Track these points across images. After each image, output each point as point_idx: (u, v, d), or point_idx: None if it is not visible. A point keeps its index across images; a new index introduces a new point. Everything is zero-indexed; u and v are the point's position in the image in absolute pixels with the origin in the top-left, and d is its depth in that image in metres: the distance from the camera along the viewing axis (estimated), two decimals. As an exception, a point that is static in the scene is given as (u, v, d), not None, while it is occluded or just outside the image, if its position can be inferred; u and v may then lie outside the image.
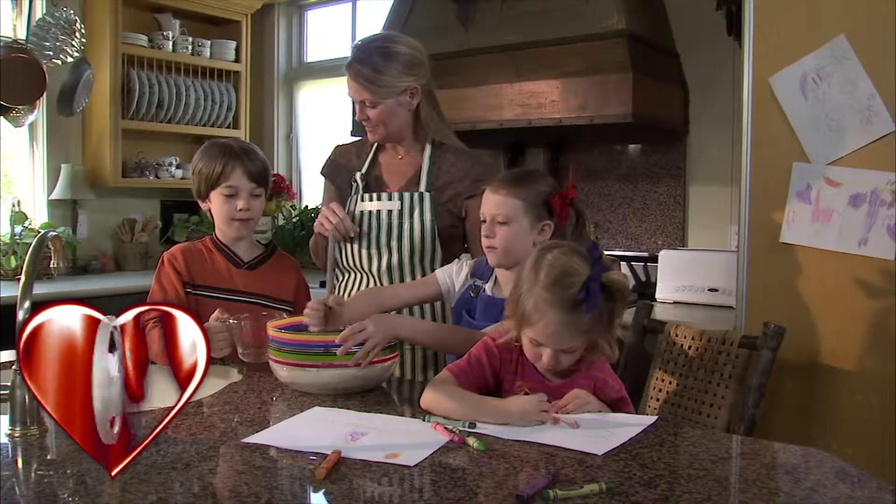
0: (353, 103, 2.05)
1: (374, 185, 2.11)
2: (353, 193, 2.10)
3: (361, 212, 2.05)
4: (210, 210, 2.08)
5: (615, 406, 1.51)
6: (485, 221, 1.75)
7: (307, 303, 1.78)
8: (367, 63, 1.97)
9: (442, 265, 2.01)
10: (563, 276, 1.43)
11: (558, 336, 1.44)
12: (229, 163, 2.01)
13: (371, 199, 2.05)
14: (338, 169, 2.20)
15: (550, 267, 1.45)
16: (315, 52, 4.98)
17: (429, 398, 1.48)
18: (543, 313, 1.43)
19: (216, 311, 1.87)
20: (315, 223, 2.06)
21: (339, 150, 2.25)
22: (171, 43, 4.35)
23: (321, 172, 2.26)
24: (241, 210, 2.02)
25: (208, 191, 2.04)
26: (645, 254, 3.52)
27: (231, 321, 1.83)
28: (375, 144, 2.15)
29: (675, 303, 3.11)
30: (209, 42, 4.52)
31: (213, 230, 2.13)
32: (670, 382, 1.96)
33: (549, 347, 1.46)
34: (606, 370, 1.53)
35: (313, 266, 2.36)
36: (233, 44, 4.60)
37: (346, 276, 2.13)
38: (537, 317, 1.44)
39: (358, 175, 2.10)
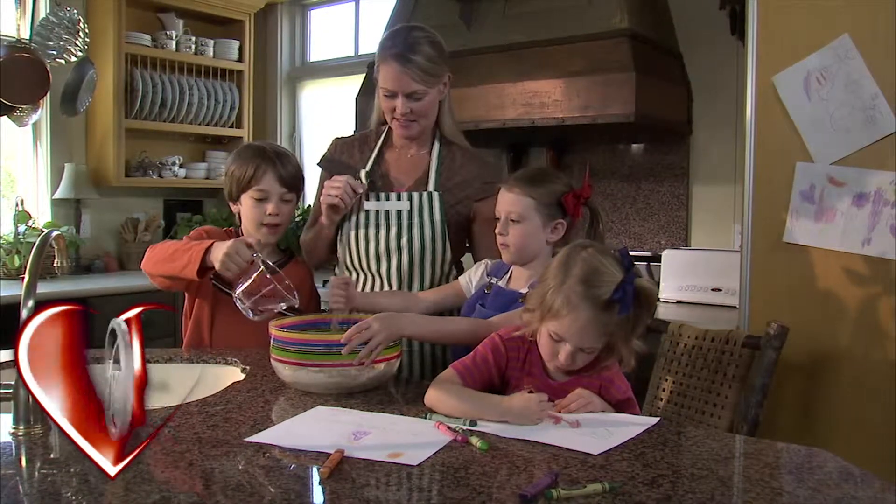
0: (386, 98, 1.98)
1: (380, 183, 2.05)
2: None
3: (368, 211, 2.01)
4: (239, 213, 2.07)
5: (620, 407, 1.51)
6: (499, 219, 1.76)
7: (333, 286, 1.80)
8: (421, 53, 1.92)
9: (451, 266, 2.01)
10: (597, 275, 1.43)
11: (584, 333, 1.44)
12: (261, 166, 1.99)
13: (378, 199, 2.01)
14: (338, 164, 2.12)
15: (585, 263, 1.45)
16: (318, 51, 4.98)
17: (432, 396, 1.49)
18: (574, 307, 1.43)
19: (251, 238, 1.88)
20: (321, 198, 1.98)
21: (340, 143, 2.17)
22: (174, 42, 4.35)
23: (319, 164, 2.18)
24: (270, 215, 2.01)
25: (239, 193, 2.03)
26: (648, 253, 3.51)
27: (258, 256, 1.82)
28: (380, 141, 2.10)
29: (678, 302, 3.10)
30: (212, 41, 4.52)
31: (238, 231, 2.12)
32: (673, 382, 1.96)
33: (570, 344, 1.45)
34: (614, 370, 1.53)
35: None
36: (236, 43, 4.61)
37: (351, 275, 2.08)
38: (566, 311, 1.43)
39: (363, 173, 2.03)
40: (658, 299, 3.07)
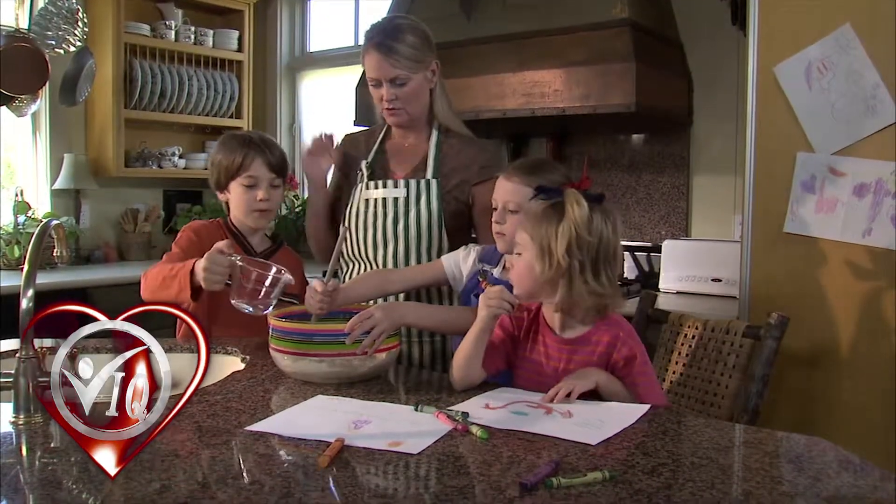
0: (372, 87, 2.02)
1: (379, 172, 2.08)
2: (358, 181, 2.08)
3: (367, 200, 2.04)
4: (228, 202, 2.08)
5: (629, 363, 1.52)
6: (496, 208, 1.76)
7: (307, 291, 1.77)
8: (399, 39, 1.96)
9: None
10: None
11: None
12: (250, 153, 2.03)
13: (377, 187, 2.04)
14: (347, 158, 2.17)
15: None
16: (318, 41, 4.96)
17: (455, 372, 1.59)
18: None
19: (223, 243, 1.84)
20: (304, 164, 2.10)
21: (349, 138, 2.23)
22: (173, 32, 4.34)
23: None
24: (261, 200, 2.04)
25: (228, 181, 2.06)
26: (648, 244, 3.51)
27: (236, 258, 1.80)
28: (383, 133, 2.13)
29: (678, 293, 3.10)
30: (212, 31, 4.51)
31: (227, 218, 2.12)
32: (674, 372, 1.96)
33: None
34: (625, 327, 1.55)
35: (303, 254, 2.38)
36: (235, 33, 4.59)
37: (352, 265, 2.11)
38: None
39: (363, 163, 2.08)
40: (655, 282, 3.08)
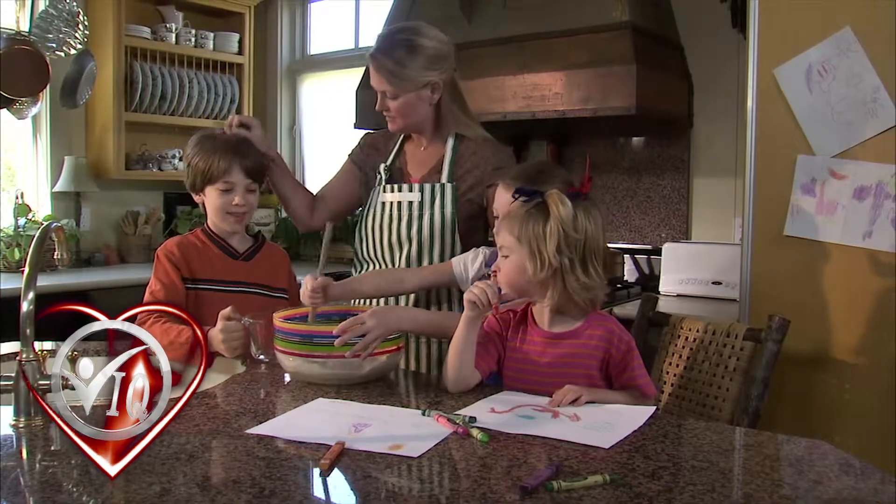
0: (376, 92, 2.04)
1: (397, 175, 2.11)
2: (377, 184, 2.11)
3: (383, 203, 2.06)
4: (203, 203, 2.07)
5: (626, 355, 1.53)
6: (496, 217, 1.76)
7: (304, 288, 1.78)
8: (390, 55, 1.96)
9: None
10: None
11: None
12: (226, 159, 2.00)
13: (393, 191, 2.06)
14: (366, 157, 2.20)
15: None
16: (318, 44, 4.97)
17: (447, 371, 1.58)
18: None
19: (228, 310, 1.83)
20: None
21: (369, 138, 2.25)
22: (174, 35, 4.34)
23: (349, 155, 2.25)
24: (236, 205, 2.01)
25: (203, 185, 2.03)
26: (649, 247, 3.51)
27: (247, 321, 1.81)
28: (402, 135, 2.16)
29: (678, 296, 3.10)
30: (212, 34, 4.51)
31: (206, 222, 2.12)
32: (675, 375, 1.96)
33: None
34: (615, 321, 1.58)
35: (303, 258, 2.38)
36: (236, 36, 4.59)
37: (366, 266, 2.13)
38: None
39: (382, 166, 2.11)
40: (655, 285, 3.08)
